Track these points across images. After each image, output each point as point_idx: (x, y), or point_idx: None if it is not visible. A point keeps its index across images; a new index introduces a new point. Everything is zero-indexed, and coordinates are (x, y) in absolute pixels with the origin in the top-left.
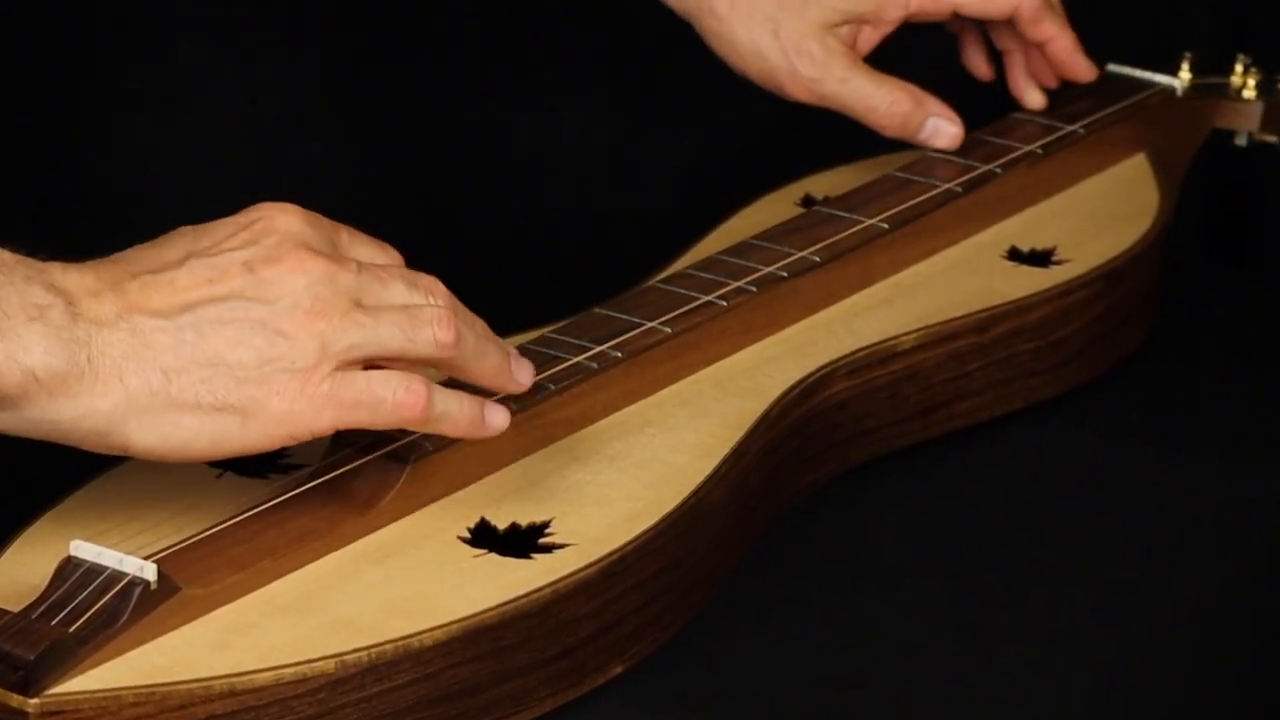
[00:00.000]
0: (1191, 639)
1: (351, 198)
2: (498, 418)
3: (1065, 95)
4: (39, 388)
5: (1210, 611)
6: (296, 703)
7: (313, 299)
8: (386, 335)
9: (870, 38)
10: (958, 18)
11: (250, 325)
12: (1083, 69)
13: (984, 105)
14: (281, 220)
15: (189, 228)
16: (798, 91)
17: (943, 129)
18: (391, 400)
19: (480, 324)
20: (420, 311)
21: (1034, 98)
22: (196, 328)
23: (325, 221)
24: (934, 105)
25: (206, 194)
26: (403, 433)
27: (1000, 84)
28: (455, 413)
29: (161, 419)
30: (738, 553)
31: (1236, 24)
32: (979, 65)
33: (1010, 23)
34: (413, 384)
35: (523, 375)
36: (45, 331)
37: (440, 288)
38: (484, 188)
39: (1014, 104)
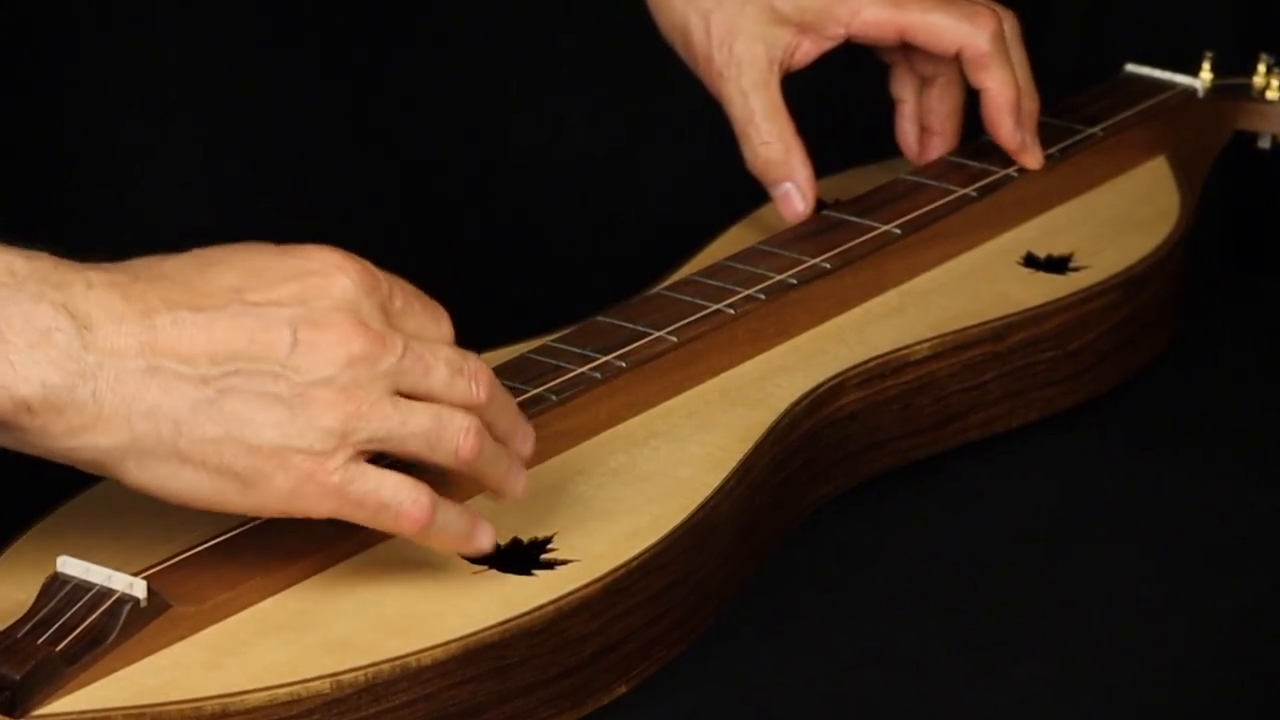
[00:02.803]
0: (1214, 657)
1: (347, 200)
2: (485, 541)
3: (1083, 97)
4: (32, 417)
5: (1233, 628)
6: None
7: (349, 380)
8: (410, 437)
9: (809, 51)
10: (902, 47)
11: (276, 398)
12: (1006, 133)
13: None
14: (339, 282)
15: (242, 253)
16: (706, 77)
17: (792, 198)
18: (396, 510)
19: (509, 412)
20: (451, 421)
21: (915, 151)
22: (224, 388)
23: (382, 283)
24: (800, 172)
25: (198, 197)
26: None
27: None
28: (450, 529)
29: (161, 466)
30: (746, 568)
31: (1259, 22)
32: (904, 92)
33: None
34: (421, 498)
35: (519, 486)
36: (47, 359)
37: (485, 374)
38: (484, 191)
39: None
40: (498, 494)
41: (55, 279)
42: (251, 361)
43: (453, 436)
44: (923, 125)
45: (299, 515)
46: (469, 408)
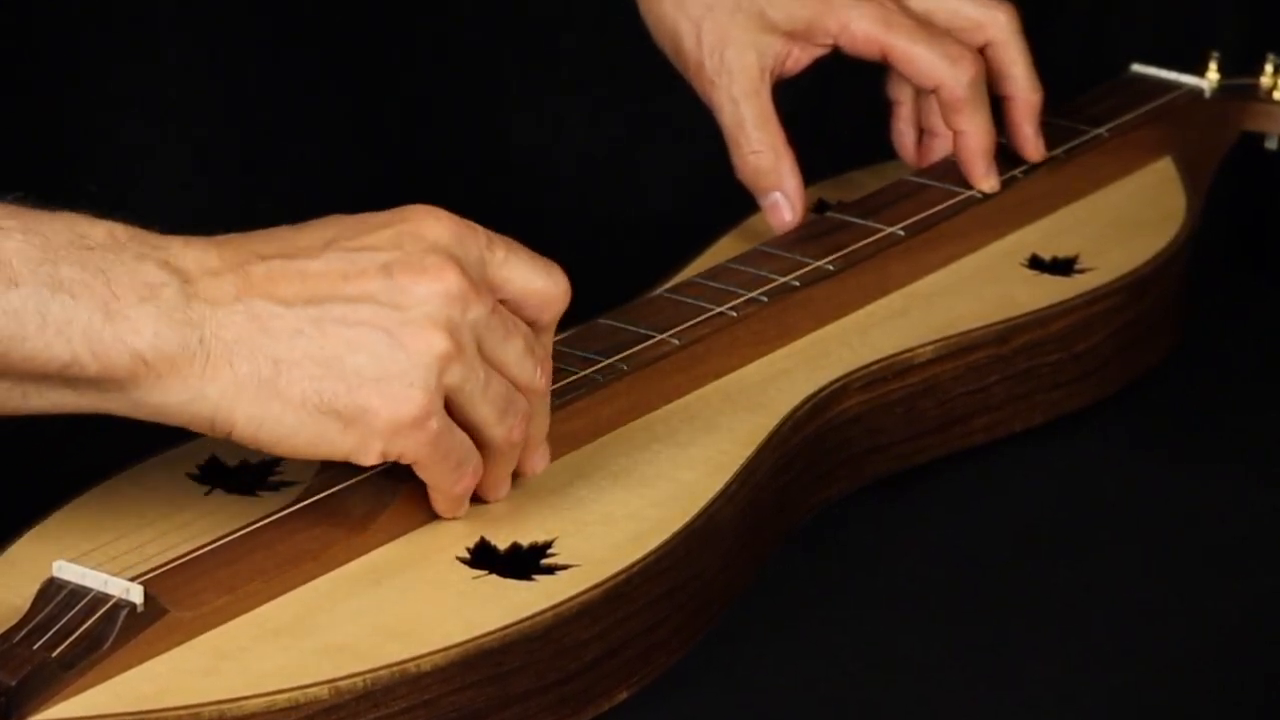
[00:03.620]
0: (1217, 659)
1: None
2: (462, 510)
3: (1089, 97)
4: (147, 370)
5: (1236, 630)
6: None
7: (445, 317)
8: (487, 400)
9: (799, 59)
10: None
11: (374, 331)
12: (979, 175)
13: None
14: (432, 227)
15: (336, 216)
16: (697, 84)
17: (780, 207)
18: (464, 471)
19: (544, 420)
20: (518, 400)
21: (912, 154)
22: (318, 322)
23: (481, 235)
24: (788, 181)
25: (198, 197)
26: None
27: None
28: (462, 505)
29: (265, 409)
30: (747, 573)
31: (1267, 22)
32: (900, 94)
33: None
34: (479, 467)
35: (502, 493)
36: (157, 312)
37: (549, 366)
38: (484, 192)
39: None
40: (484, 492)
41: (153, 240)
42: (348, 300)
43: (515, 414)
44: (922, 127)
45: (392, 458)
46: (527, 392)
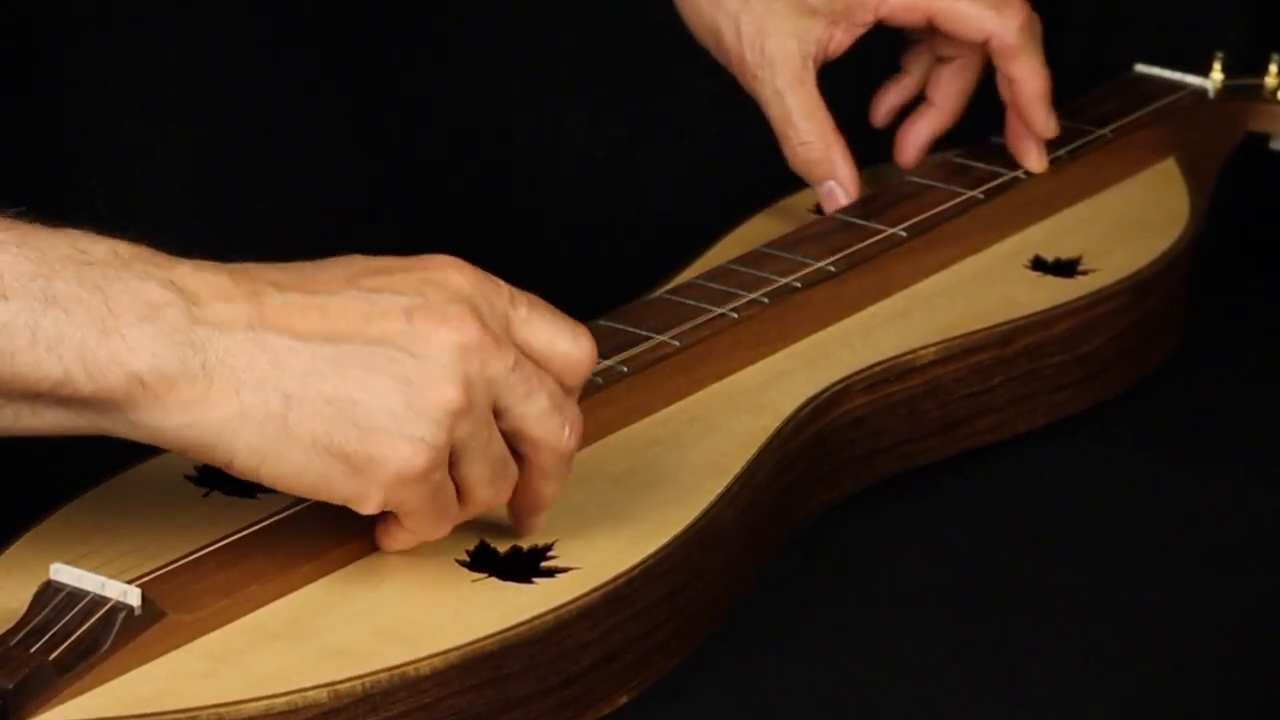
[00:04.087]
0: (1219, 661)
1: (347, 201)
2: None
3: (1092, 97)
4: (145, 392)
5: (1238, 631)
6: None
7: (461, 372)
8: (486, 459)
9: (842, 41)
10: (929, 30)
11: (392, 379)
12: (1040, 121)
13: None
14: (454, 277)
15: (358, 256)
16: (741, 78)
17: (836, 194)
18: (441, 526)
19: (560, 482)
20: (511, 466)
21: (881, 116)
22: (335, 362)
23: (504, 290)
24: (842, 169)
25: (198, 197)
26: None
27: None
28: (408, 545)
29: (269, 445)
30: (749, 576)
31: (1271, 22)
32: (913, 66)
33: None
34: (453, 521)
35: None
36: (156, 333)
37: (579, 426)
38: (483, 192)
39: None
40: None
41: (160, 260)
42: (367, 342)
43: (505, 479)
44: (924, 97)
45: (389, 508)
46: (549, 451)
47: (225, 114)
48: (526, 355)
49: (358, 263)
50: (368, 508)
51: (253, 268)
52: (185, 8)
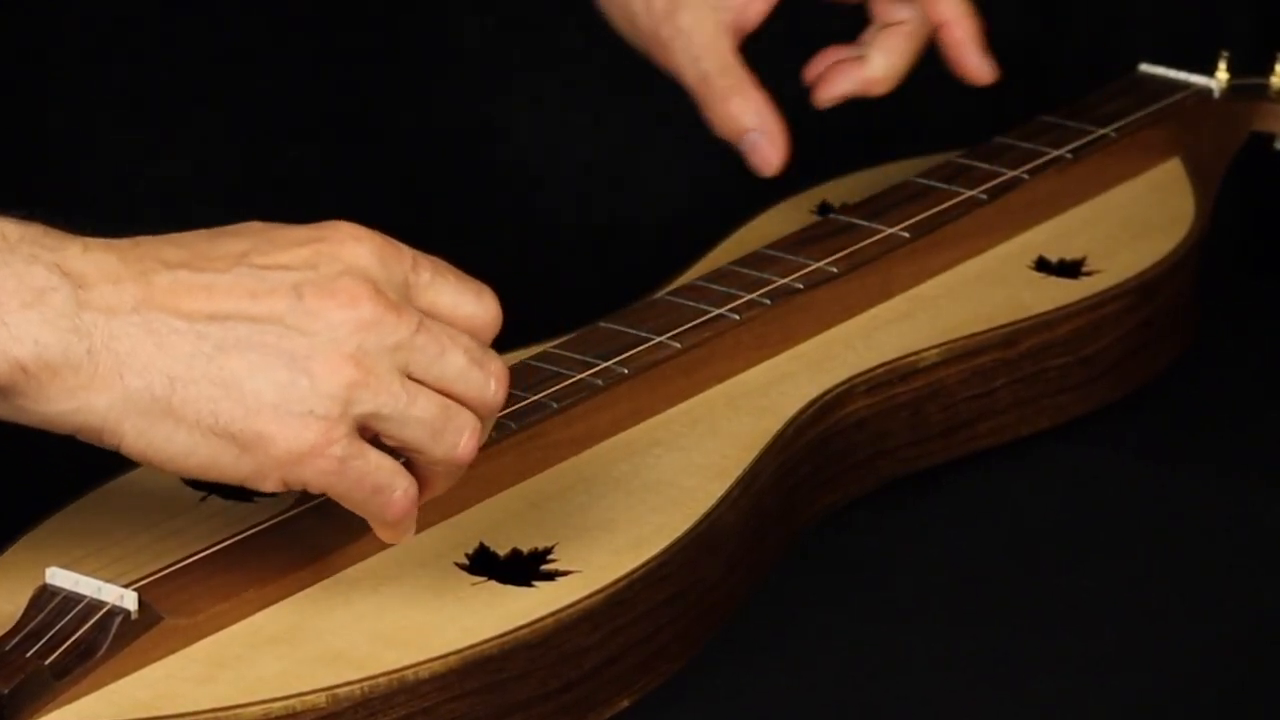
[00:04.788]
0: (1229, 669)
1: (346, 201)
2: (405, 535)
3: (1096, 97)
4: (28, 379)
5: (1250, 642)
6: None
7: (355, 346)
8: (413, 424)
9: (759, 8)
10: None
11: (279, 356)
12: (973, 65)
13: (1007, 109)
14: (351, 249)
15: (258, 225)
16: (655, 54)
17: (760, 145)
18: (387, 497)
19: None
20: (459, 414)
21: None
22: (220, 342)
23: (406, 256)
24: (765, 118)
25: (196, 197)
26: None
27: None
28: (408, 525)
29: (156, 427)
30: (750, 580)
31: (1277, 22)
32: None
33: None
34: (411, 489)
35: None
36: (41, 319)
37: (505, 376)
38: (483, 193)
39: (1042, 107)
40: (407, 528)
41: (49, 243)
42: (253, 321)
43: (457, 431)
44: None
45: (293, 486)
46: (478, 406)
47: (224, 114)
48: (433, 318)
49: (252, 233)
50: (267, 486)
51: (145, 242)
52: (183, 7)
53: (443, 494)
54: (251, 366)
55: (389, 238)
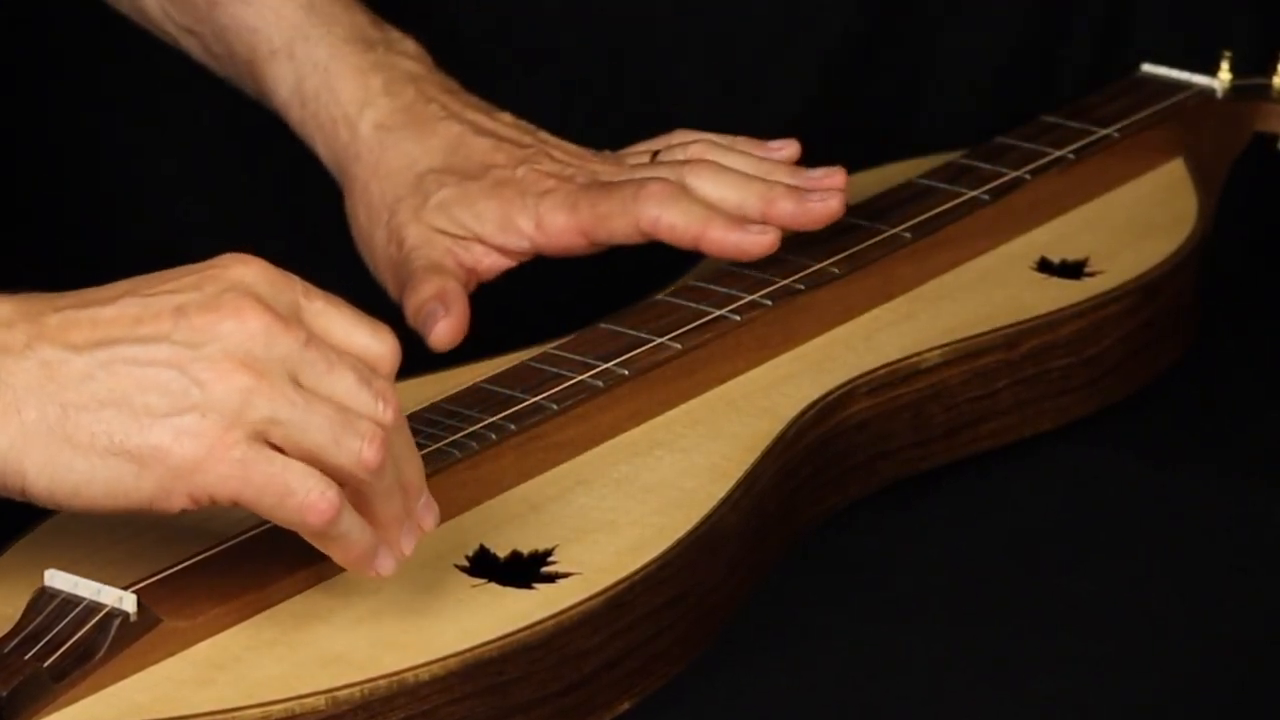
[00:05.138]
0: (1231, 671)
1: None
2: (387, 564)
3: (1099, 97)
4: None
5: (1251, 643)
6: None
7: (244, 353)
8: (314, 426)
9: (494, 263)
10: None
11: (167, 369)
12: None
13: (1009, 109)
14: (237, 271)
15: (143, 277)
16: (391, 282)
17: (436, 318)
18: (302, 499)
19: (416, 463)
20: (357, 420)
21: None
22: (109, 365)
23: (296, 283)
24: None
25: (196, 197)
26: None
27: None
28: (354, 539)
29: (55, 458)
30: (752, 582)
31: (1278, 21)
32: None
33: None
34: (329, 491)
35: (428, 519)
36: None
37: (395, 400)
38: None
39: (1043, 107)
40: (390, 541)
41: None
42: (140, 342)
43: (359, 436)
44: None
45: (204, 501)
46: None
47: (223, 114)
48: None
49: (137, 279)
50: (174, 503)
51: (34, 294)
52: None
53: (441, 492)
54: (140, 383)
55: (278, 269)
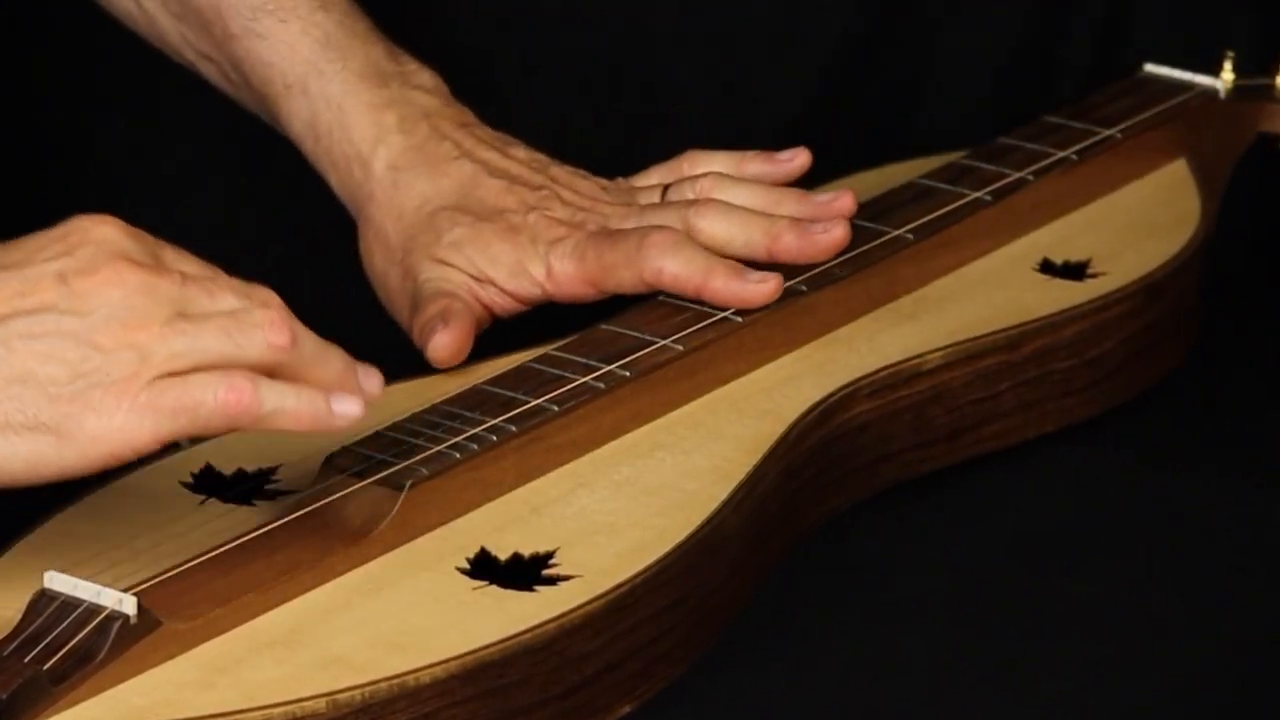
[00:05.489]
0: (1232, 674)
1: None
2: (348, 405)
3: (1101, 97)
4: None
5: (1254, 645)
6: None
7: (129, 311)
8: (211, 341)
9: (506, 305)
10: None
11: (63, 339)
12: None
13: (1011, 109)
14: (98, 232)
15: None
16: (404, 318)
17: (439, 332)
18: (214, 400)
19: (330, 351)
20: (249, 315)
21: None
22: (6, 342)
23: (148, 237)
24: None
25: (194, 196)
26: (397, 457)
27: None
28: (292, 406)
29: None
30: (753, 584)
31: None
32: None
33: None
34: (234, 380)
35: (371, 383)
36: None
37: (275, 298)
38: None
39: (1043, 107)
40: (350, 393)
41: None
42: (29, 314)
43: (256, 328)
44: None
45: (128, 455)
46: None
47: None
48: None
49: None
50: (98, 466)
51: None
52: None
53: (441, 494)
54: (40, 356)
55: (130, 224)
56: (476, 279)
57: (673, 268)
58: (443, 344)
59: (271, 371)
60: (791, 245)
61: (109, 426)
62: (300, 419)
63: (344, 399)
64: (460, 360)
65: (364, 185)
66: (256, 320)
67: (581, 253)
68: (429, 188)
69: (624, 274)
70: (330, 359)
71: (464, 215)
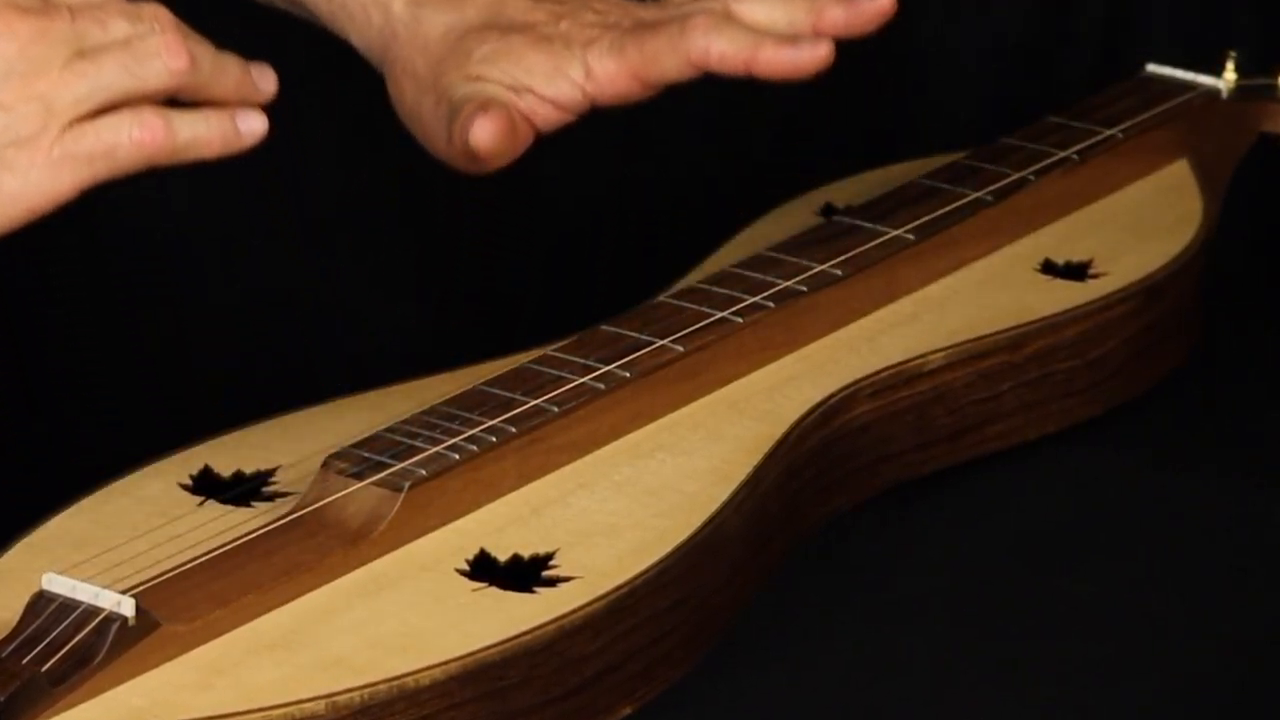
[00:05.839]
0: (1234, 674)
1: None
2: (253, 122)
3: (1103, 97)
4: None
5: (1255, 645)
6: None
7: (27, 62)
8: (112, 78)
9: (549, 115)
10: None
11: None
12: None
13: (1013, 109)
14: None
15: None
16: (429, 134)
17: (476, 119)
18: (128, 140)
19: (209, 45)
20: (144, 43)
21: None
22: None
23: None
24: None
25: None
26: (396, 459)
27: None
28: (204, 133)
29: None
30: (754, 585)
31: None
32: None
33: None
34: (145, 117)
35: (266, 82)
36: None
37: (164, 13)
38: (483, 195)
39: (1044, 107)
40: (251, 97)
41: None
42: None
43: (154, 55)
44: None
45: (49, 208)
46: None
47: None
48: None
49: None
50: (16, 224)
51: None
52: (182, 6)
53: (441, 495)
54: None
55: None
56: (514, 89)
57: (719, 45)
58: (484, 129)
59: (175, 94)
60: (839, 17)
61: (26, 183)
62: (214, 144)
63: (247, 116)
64: (503, 152)
65: (385, 28)
66: (152, 48)
67: (620, 47)
68: (452, 18)
69: (668, 61)
70: (227, 67)
71: (492, 32)
